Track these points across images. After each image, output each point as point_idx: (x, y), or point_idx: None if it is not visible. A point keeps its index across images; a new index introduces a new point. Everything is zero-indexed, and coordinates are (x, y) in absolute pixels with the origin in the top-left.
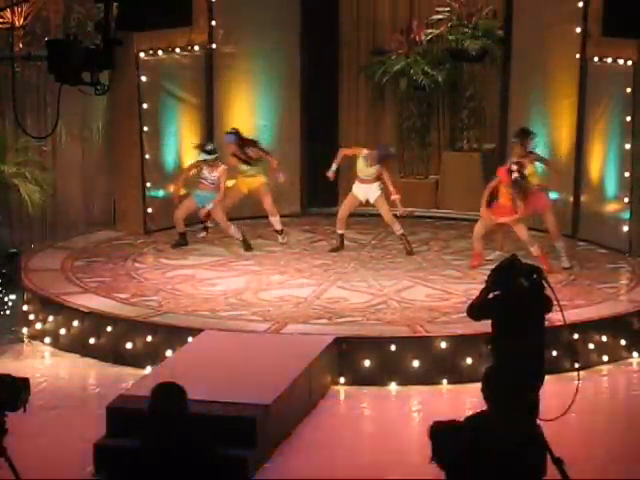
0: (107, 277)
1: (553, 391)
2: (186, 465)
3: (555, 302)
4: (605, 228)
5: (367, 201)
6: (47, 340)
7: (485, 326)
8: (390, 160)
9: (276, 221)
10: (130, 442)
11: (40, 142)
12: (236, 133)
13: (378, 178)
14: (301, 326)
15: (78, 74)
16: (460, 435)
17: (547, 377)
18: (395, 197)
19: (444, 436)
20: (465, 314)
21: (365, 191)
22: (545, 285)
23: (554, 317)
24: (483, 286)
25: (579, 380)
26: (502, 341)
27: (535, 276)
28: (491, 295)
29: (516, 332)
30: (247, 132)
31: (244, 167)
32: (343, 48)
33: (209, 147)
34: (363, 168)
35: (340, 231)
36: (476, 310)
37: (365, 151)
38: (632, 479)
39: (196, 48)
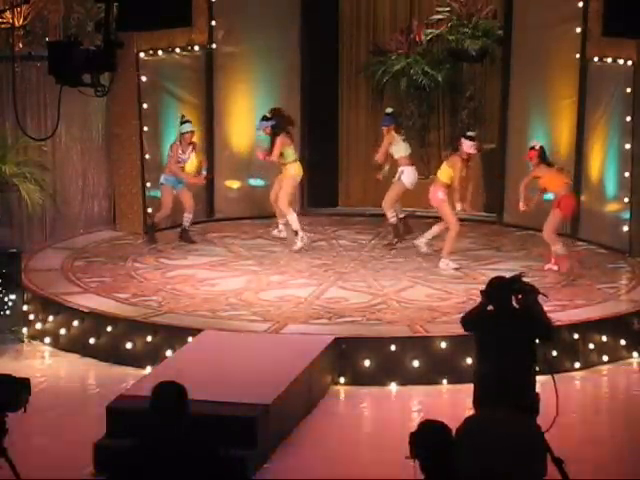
0: (107, 277)
1: (553, 391)
2: (186, 465)
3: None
4: (605, 228)
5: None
6: (47, 340)
7: None
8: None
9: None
10: (130, 442)
11: (40, 142)
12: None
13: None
14: (301, 326)
15: (78, 75)
16: (443, 434)
17: (547, 377)
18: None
19: (427, 435)
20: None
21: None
22: (532, 308)
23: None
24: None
25: (555, 383)
26: (486, 360)
27: (528, 296)
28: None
29: (500, 351)
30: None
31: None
32: (343, 48)
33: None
34: (402, 144)
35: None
36: (466, 321)
37: (392, 135)
38: (632, 479)
39: (196, 48)
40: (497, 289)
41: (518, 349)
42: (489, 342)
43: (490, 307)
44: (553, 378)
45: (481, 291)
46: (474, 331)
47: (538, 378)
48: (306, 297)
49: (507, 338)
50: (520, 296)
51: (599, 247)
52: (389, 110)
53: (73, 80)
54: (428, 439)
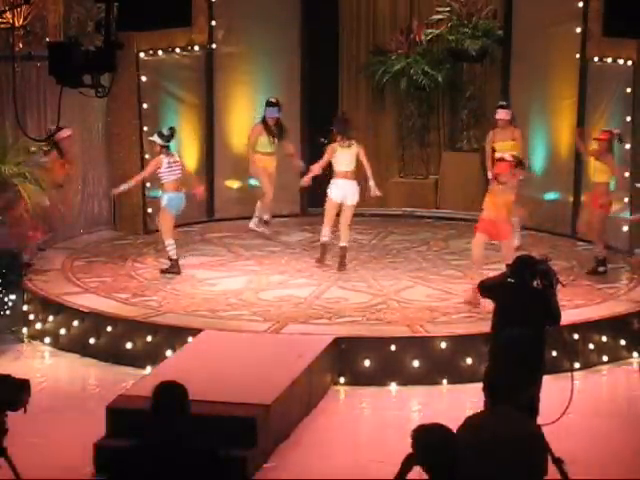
0: (107, 277)
1: (553, 391)
2: (186, 465)
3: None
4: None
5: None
6: (47, 340)
7: (485, 326)
8: (350, 128)
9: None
10: (131, 442)
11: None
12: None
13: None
14: (301, 326)
15: (79, 76)
16: (447, 438)
17: (547, 377)
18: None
19: (429, 438)
20: (464, 314)
21: (344, 191)
22: (551, 291)
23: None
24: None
25: (573, 382)
26: (498, 333)
27: (546, 282)
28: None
29: (511, 322)
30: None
31: (266, 143)
32: (343, 48)
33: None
34: (344, 154)
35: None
36: (485, 284)
37: (332, 145)
38: (632, 479)
39: (196, 48)
40: (522, 266)
41: (532, 324)
42: (508, 310)
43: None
44: (572, 375)
45: (507, 264)
46: (490, 295)
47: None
48: (306, 297)
49: (523, 311)
50: (541, 278)
51: None
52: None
53: (73, 81)
54: (430, 446)
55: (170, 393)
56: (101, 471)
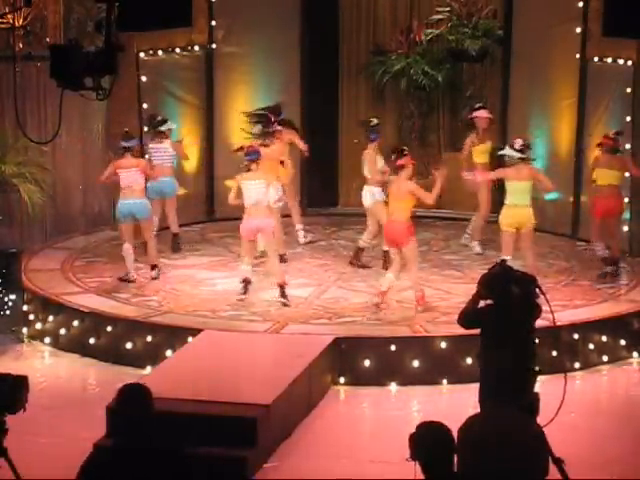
0: (107, 277)
1: (553, 391)
2: (152, 464)
3: (548, 309)
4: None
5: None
6: (47, 340)
7: None
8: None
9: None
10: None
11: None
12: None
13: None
14: (301, 326)
15: (80, 79)
16: (444, 435)
17: (547, 377)
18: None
19: (427, 435)
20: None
21: (364, 196)
22: (539, 294)
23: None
24: (474, 292)
25: (566, 383)
26: (489, 354)
27: (528, 285)
28: (482, 304)
29: (503, 344)
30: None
31: None
32: (343, 48)
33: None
34: (379, 160)
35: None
36: (467, 319)
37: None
38: (632, 479)
39: (196, 48)
40: (497, 280)
41: (518, 340)
42: (496, 332)
43: (487, 301)
44: (565, 378)
45: (481, 284)
46: (476, 326)
47: (538, 378)
48: (306, 297)
49: (511, 328)
50: (528, 285)
51: None
52: (375, 121)
53: (75, 84)
54: (428, 440)
55: (131, 395)
56: None
